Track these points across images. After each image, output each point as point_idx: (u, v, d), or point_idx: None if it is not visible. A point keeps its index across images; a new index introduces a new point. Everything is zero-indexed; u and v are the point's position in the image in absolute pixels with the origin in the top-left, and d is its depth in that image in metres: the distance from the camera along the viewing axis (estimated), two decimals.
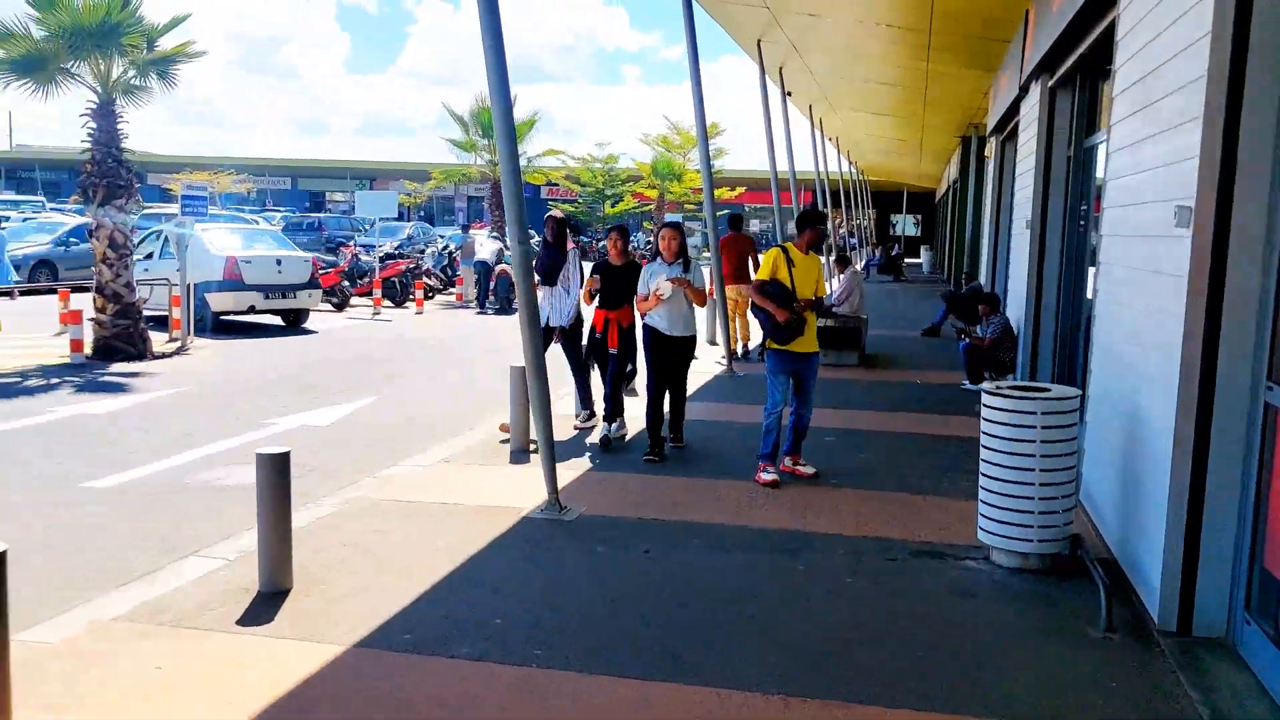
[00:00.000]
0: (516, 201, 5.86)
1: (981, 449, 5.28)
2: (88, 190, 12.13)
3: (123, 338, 12.23)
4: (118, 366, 11.68)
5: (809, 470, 6.99)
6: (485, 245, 20.92)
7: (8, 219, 26.49)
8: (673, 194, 41.50)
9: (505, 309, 19.98)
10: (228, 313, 15.35)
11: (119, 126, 12.36)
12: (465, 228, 24.47)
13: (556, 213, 8.44)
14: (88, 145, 12.22)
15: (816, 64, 18.71)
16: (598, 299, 8.01)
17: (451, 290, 22.99)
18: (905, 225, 66.96)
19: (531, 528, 5.71)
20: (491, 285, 20.66)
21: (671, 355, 7.44)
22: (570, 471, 6.97)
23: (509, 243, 5.91)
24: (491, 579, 4.87)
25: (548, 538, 5.55)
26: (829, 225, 17.65)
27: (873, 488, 6.72)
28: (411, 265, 22.04)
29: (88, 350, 12.18)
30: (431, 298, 22.27)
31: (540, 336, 6.00)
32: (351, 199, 20.29)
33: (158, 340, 13.52)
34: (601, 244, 46.35)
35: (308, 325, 16.45)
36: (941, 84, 18.34)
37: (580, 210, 56.25)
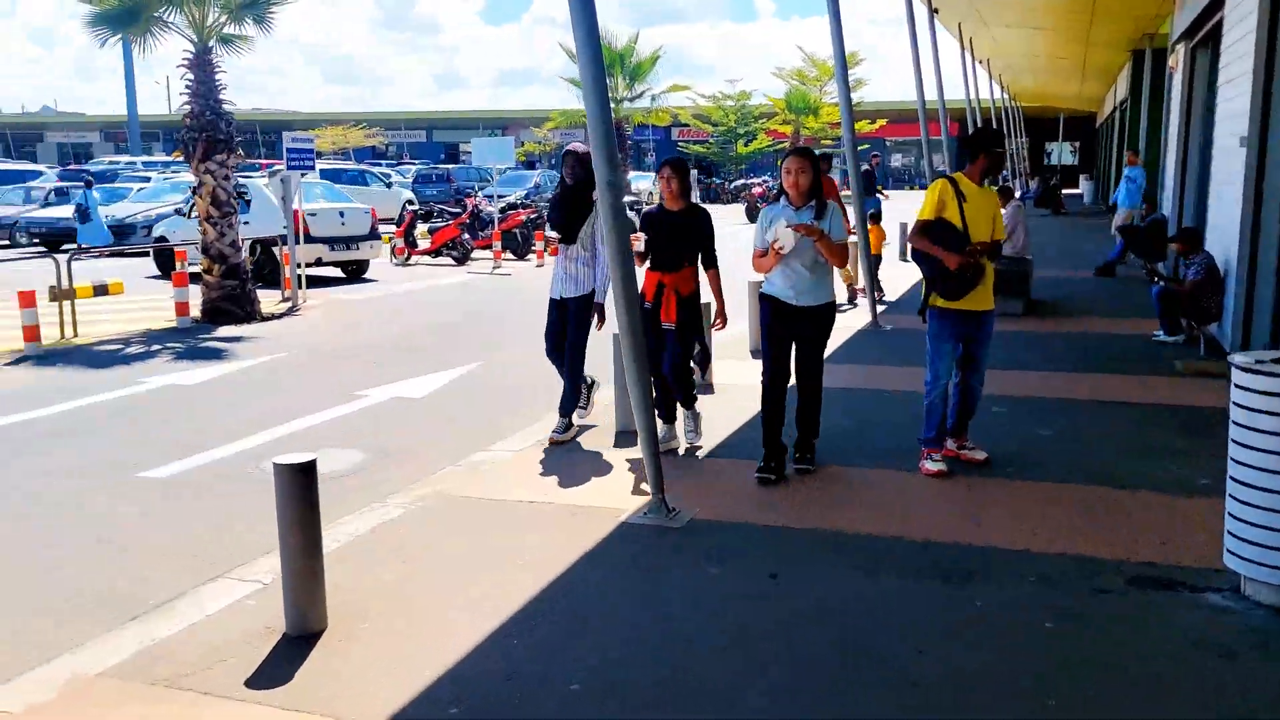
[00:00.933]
0: (607, 141, 4.71)
1: (1231, 444, 3.88)
2: (187, 146, 11.62)
3: (230, 299, 11.77)
4: (223, 330, 11.21)
5: (980, 455, 5.67)
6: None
7: (149, 180, 27.05)
8: (808, 129, 39.43)
9: None
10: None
11: (217, 77, 11.77)
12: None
13: (578, 146, 6.23)
14: (185, 98, 11.69)
15: None
16: (649, 260, 5.97)
17: None
18: (1061, 153, 62.48)
19: (631, 538, 4.64)
20: None
21: (799, 333, 5.39)
22: (681, 462, 5.87)
23: (601, 188, 4.77)
24: (573, 613, 3.83)
25: (649, 551, 4.47)
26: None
27: (1061, 479, 5.35)
28: (534, 215, 21.19)
29: (195, 314, 11.78)
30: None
31: (638, 309, 4.86)
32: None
33: (270, 300, 13.09)
34: (735, 185, 44.85)
35: (427, 280, 15.83)
36: None
37: (712, 150, 54.60)
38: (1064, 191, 36.38)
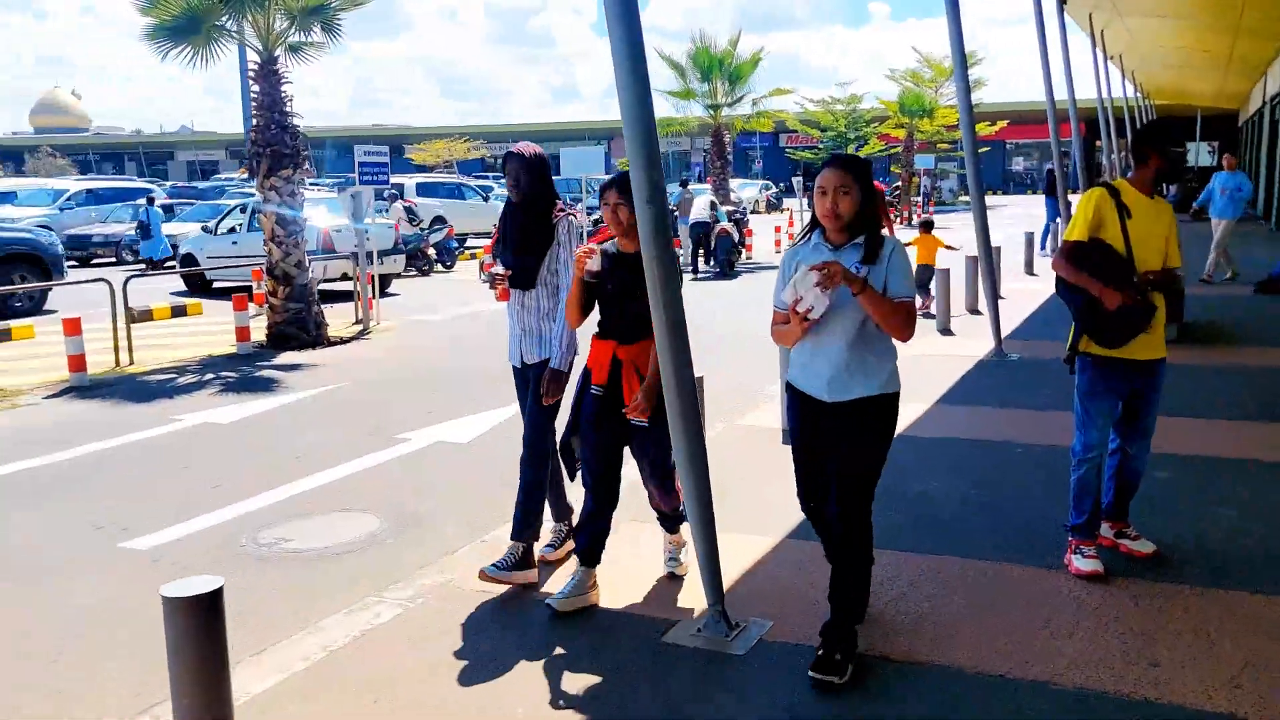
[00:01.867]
0: (647, 143, 3.63)
1: None
2: (252, 161, 11.03)
3: (295, 323, 11.12)
4: (285, 356, 10.54)
5: (1147, 548, 4.35)
6: (700, 202, 18.73)
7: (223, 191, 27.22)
8: (923, 133, 37.43)
9: (725, 273, 17.78)
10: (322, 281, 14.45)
11: (283, 88, 11.15)
12: (684, 183, 22.36)
13: (525, 147, 4.27)
14: (252, 111, 11.10)
15: None
16: (599, 321, 4.13)
17: None
18: (1199, 154, 58.44)
19: (677, 664, 3.53)
20: (711, 246, 18.51)
21: (835, 443, 3.47)
22: (747, 546, 4.72)
23: (637, 200, 3.66)
24: None
25: (699, 689, 3.35)
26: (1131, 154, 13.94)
27: (1266, 588, 4.00)
28: None
29: (259, 338, 11.17)
30: None
31: (689, 370, 3.74)
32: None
33: (342, 322, 12.44)
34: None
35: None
36: None
37: (821, 155, 52.77)
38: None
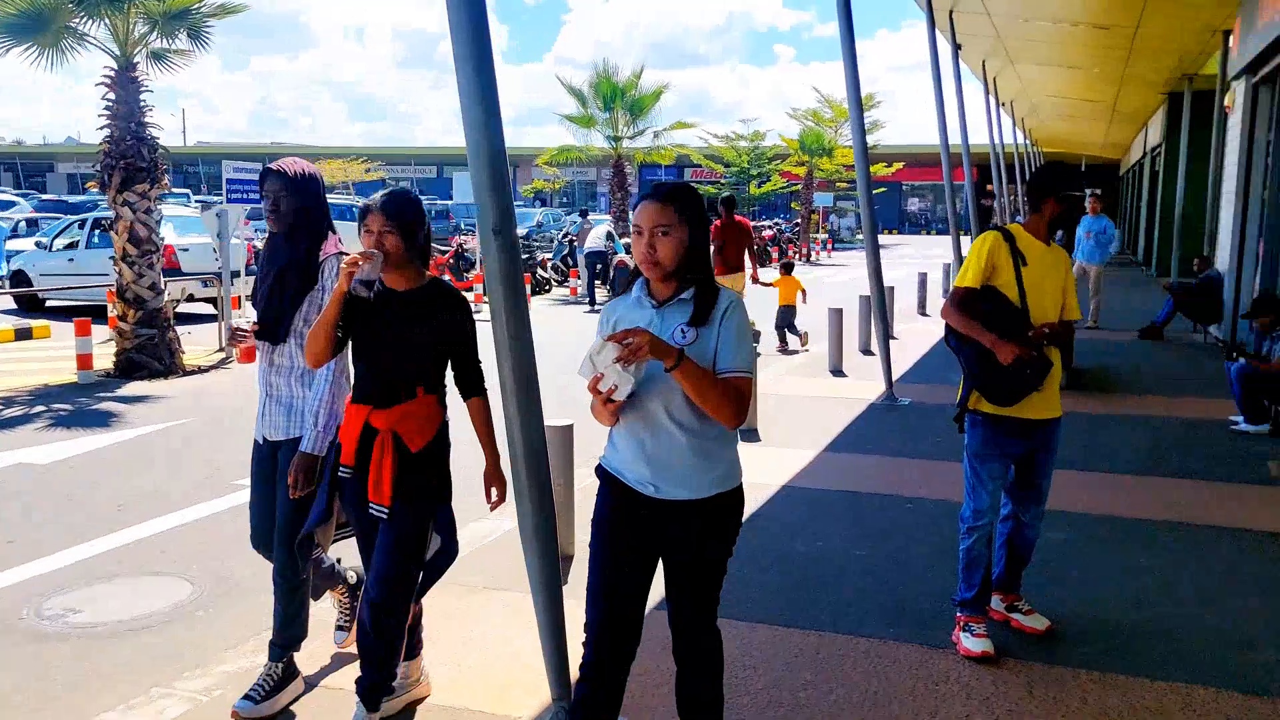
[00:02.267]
0: (493, 160, 3.14)
1: None
2: (103, 174, 10.14)
3: (147, 350, 10.22)
4: (131, 387, 9.65)
5: (1040, 625, 4.00)
6: (598, 231, 18.35)
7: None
8: (822, 171, 37.91)
9: None
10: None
11: (142, 97, 10.31)
12: (584, 213, 21.96)
13: (290, 164, 3.38)
14: (105, 120, 10.23)
15: (998, 3, 15.20)
16: (354, 379, 3.24)
17: (570, 284, 20.52)
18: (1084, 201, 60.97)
19: None
20: (609, 276, 18.11)
21: (666, 550, 2.70)
22: None
23: (481, 229, 3.15)
24: None
25: None
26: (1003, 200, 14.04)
27: (1175, 675, 3.67)
28: (525, 257, 19.75)
29: (106, 366, 10.24)
30: (546, 291, 19.93)
31: (532, 378, 3.24)
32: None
33: (203, 350, 11.55)
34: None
35: None
36: (1160, 18, 14.54)
37: (723, 191, 53.24)
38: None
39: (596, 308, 17.24)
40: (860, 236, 45.32)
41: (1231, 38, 12.53)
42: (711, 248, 10.76)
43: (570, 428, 4.93)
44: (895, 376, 9.35)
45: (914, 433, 7.48)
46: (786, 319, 11.93)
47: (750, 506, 5.53)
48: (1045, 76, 23.72)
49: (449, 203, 34.60)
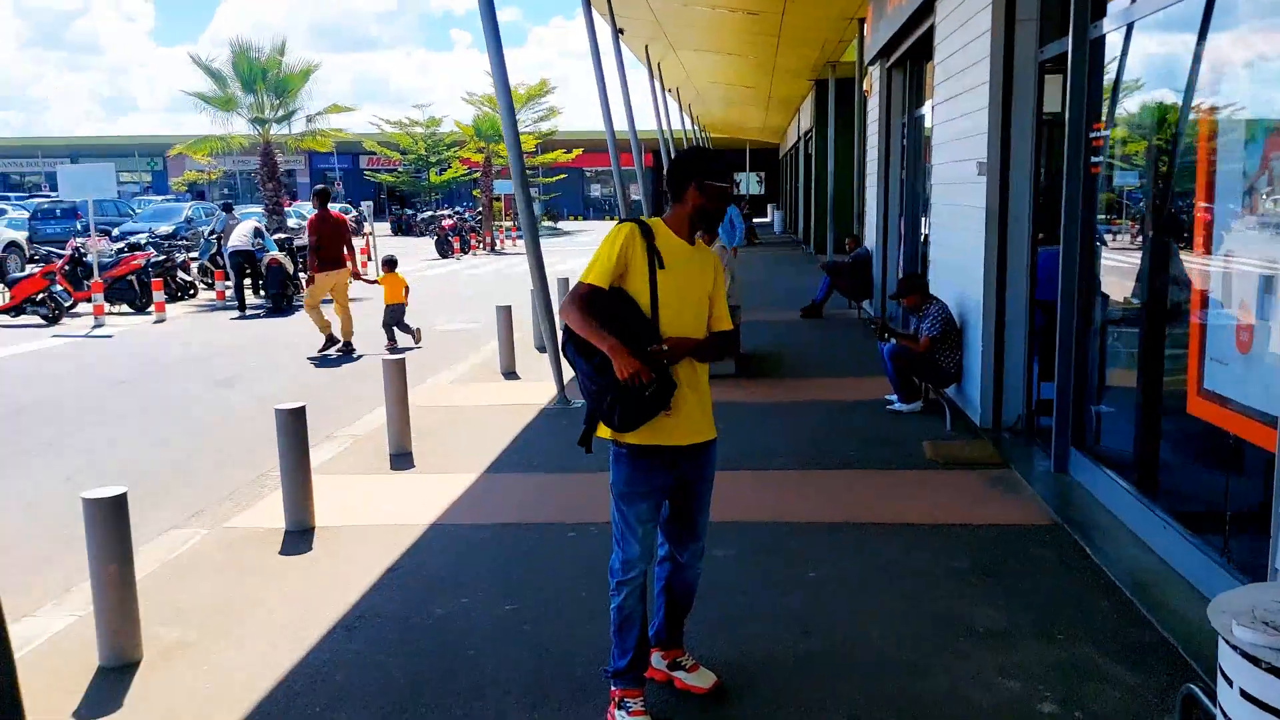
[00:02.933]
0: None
1: None
2: None
3: None
4: None
5: (706, 683, 3.43)
6: (244, 227, 16.48)
7: None
8: (502, 158, 37.24)
9: (279, 308, 15.67)
10: None
11: None
12: (227, 206, 19.73)
13: None
14: None
15: None
16: None
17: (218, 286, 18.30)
18: (749, 184, 64.81)
19: None
20: (260, 280, 16.32)
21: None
22: None
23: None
24: None
25: None
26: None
27: (857, 713, 3.23)
28: (161, 258, 17.38)
29: None
30: (189, 297, 17.69)
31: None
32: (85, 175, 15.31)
33: None
34: (424, 217, 41.61)
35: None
36: (803, 5, 15.09)
37: (403, 180, 51.27)
38: (755, 220, 36.69)
39: (248, 314, 15.43)
40: (546, 222, 45.25)
41: (866, 25, 13.13)
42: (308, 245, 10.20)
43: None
44: (568, 376, 8.79)
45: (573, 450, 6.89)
46: (395, 317, 11.56)
47: (388, 556, 4.64)
48: (705, 63, 24.42)
49: (76, 200, 30.18)
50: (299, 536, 5.10)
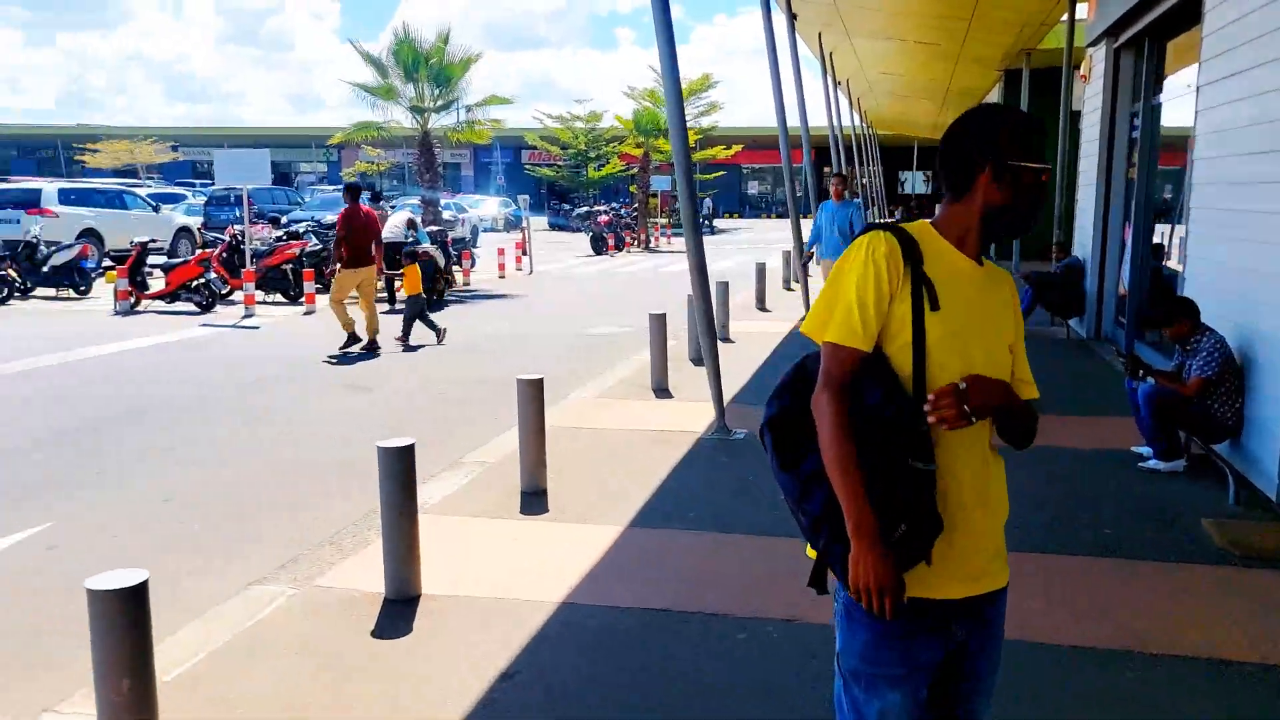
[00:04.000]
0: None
1: None
2: None
3: None
4: None
5: None
6: (396, 219, 15.95)
7: None
8: (660, 153, 36.26)
9: (428, 302, 15.03)
10: None
11: None
12: (375, 197, 19.37)
13: None
14: None
15: None
16: None
17: None
18: (915, 182, 61.86)
19: None
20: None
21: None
22: None
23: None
24: None
25: None
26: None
27: None
28: (318, 247, 17.10)
29: None
30: None
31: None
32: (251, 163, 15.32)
33: None
34: (580, 212, 41.16)
35: (133, 336, 11.54)
36: None
37: (563, 175, 51.10)
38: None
39: (397, 306, 14.87)
40: (705, 219, 44.15)
41: (1084, 2, 11.32)
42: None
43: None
44: (728, 396, 7.56)
45: (750, 485, 5.64)
46: (416, 308, 11.35)
47: (504, 652, 3.55)
48: (881, 52, 22.68)
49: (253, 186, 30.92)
50: (399, 610, 4.05)
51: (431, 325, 11.40)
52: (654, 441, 6.70)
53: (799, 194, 26.47)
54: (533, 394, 5.57)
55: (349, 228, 10.71)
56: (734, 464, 6.16)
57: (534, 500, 5.47)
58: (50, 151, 60.84)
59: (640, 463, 6.17)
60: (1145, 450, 6.08)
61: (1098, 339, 10.80)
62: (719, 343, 7.73)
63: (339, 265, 10.84)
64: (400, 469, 4.07)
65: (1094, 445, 6.47)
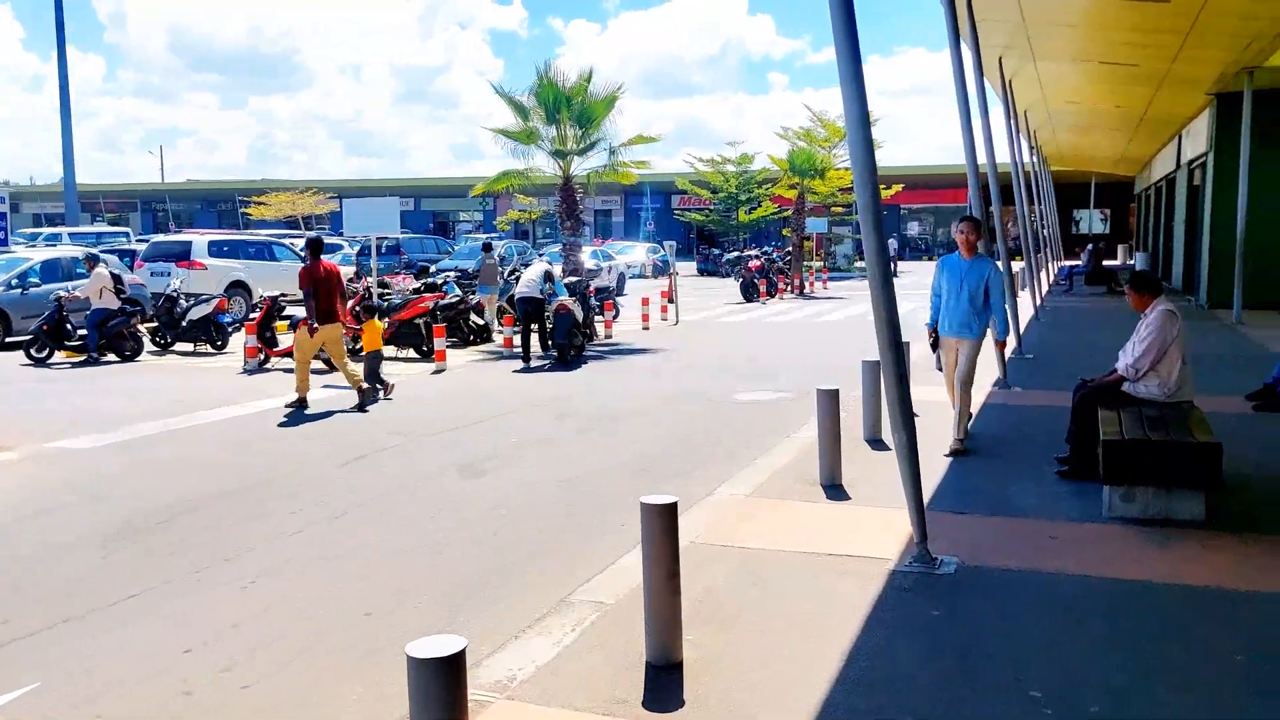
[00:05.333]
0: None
1: None
2: None
3: None
4: None
5: None
6: (532, 271, 14.80)
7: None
8: (815, 195, 34.44)
9: (564, 360, 13.80)
10: None
11: None
12: (487, 246, 18.42)
13: None
14: None
15: None
16: None
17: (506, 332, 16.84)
18: (1091, 221, 57.62)
19: None
20: (547, 327, 14.60)
21: None
22: None
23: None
24: None
25: None
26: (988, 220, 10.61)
27: None
28: (456, 299, 16.19)
29: None
30: (483, 340, 16.36)
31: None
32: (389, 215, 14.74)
33: None
34: (730, 257, 39.71)
35: (250, 399, 10.68)
36: None
37: (712, 219, 49.89)
38: (1104, 263, 31.19)
39: (532, 366, 13.66)
40: (860, 265, 41.96)
41: None
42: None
43: None
44: (926, 498, 5.79)
45: (974, 665, 3.89)
46: (374, 363, 11.04)
47: None
48: (1069, 76, 20.35)
49: (400, 236, 31.04)
50: None
51: (380, 381, 10.95)
52: (826, 575, 5.00)
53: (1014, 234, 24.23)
54: (662, 524, 3.99)
55: (313, 284, 10.30)
56: (949, 620, 4.39)
57: (662, 682, 3.87)
58: (229, 204, 64.10)
59: (809, 619, 4.48)
60: None
61: None
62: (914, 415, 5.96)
63: (309, 322, 10.41)
64: (441, 688, 2.56)
65: None
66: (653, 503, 4.01)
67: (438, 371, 13.30)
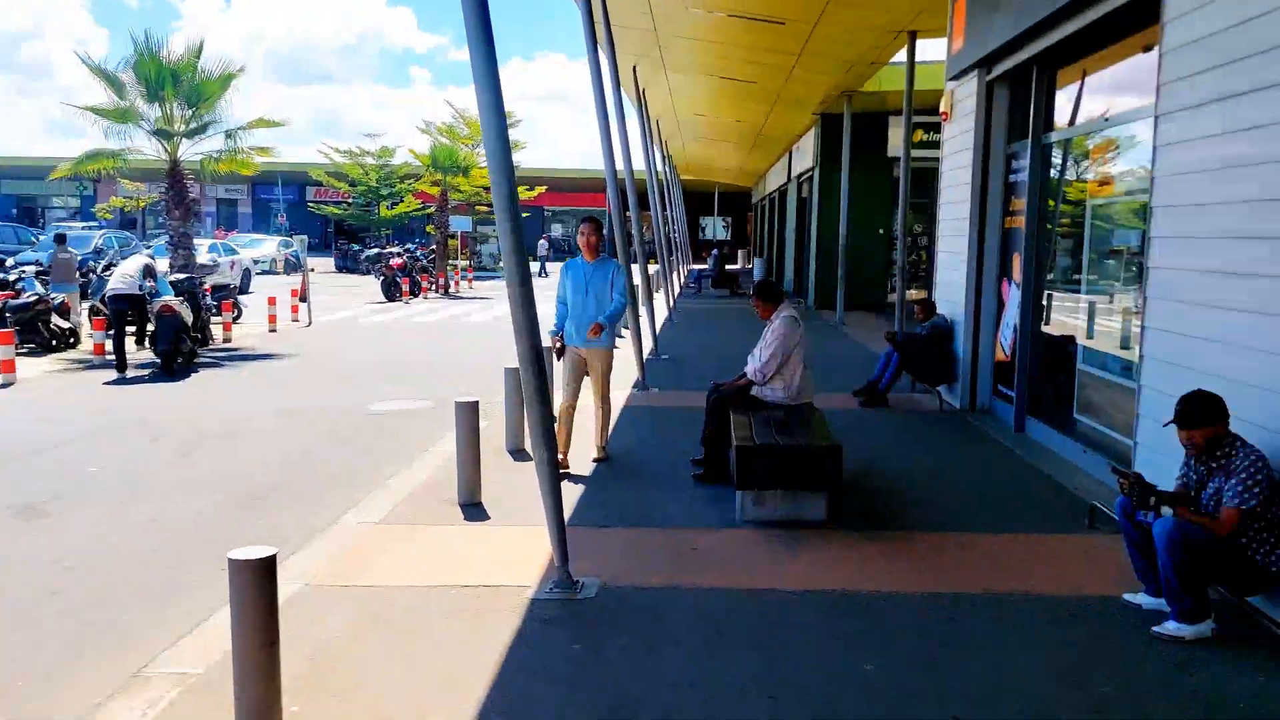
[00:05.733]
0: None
1: None
2: None
3: None
4: None
5: None
6: (128, 265, 12.92)
7: None
8: (460, 192, 33.81)
9: (170, 369, 12.12)
10: None
11: None
12: (60, 238, 16.00)
13: None
14: None
15: None
16: None
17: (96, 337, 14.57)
18: (715, 228, 62.07)
19: None
20: (144, 328, 12.80)
21: None
22: None
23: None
24: None
25: None
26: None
27: None
28: (32, 299, 13.80)
29: None
30: (70, 346, 14.07)
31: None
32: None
33: None
34: (369, 254, 38.01)
35: None
36: (842, 13, 12.13)
37: (351, 213, 47.59)
38: (726, 267, 33.57)
39: (129, 376, 11.85)
40: (541, 263, 41.94)
41: (952, 30, 10.10)
42: None
43: None
44: (568, 512, 5.47)
45: (622, 714, 3.56)
46: None
47: None
48: (696, 90, 21.46)
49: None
50: None
51: None
52: (464, 610, 4.49)
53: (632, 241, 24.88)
54: (255, 583, 3.25)
55: None
56: (592, 658, 4.03)
57: None
58: None
59: (446, 663, 3.94)
60: (1142, 600, 4.46)
61: (973, 410, 9.45)
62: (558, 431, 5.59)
63: None
64: None
65: (1069, 590, 4.78)
66: (242, 558, 3.26)
67: (4, 385, 11.14)
